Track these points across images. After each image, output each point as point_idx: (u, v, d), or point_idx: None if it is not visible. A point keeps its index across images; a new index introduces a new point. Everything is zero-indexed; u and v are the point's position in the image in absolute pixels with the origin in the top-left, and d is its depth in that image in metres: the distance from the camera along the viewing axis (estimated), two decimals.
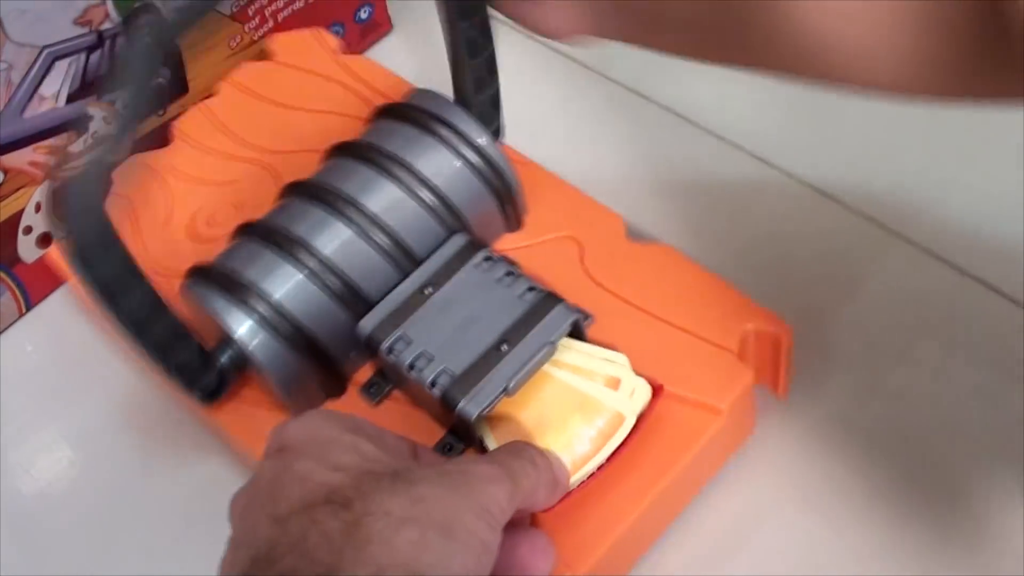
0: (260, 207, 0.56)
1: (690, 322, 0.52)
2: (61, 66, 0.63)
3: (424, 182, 0.54)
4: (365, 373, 0.54)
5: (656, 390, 0.50)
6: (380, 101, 0.59)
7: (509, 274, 0.52)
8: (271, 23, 0.71)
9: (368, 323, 0.52)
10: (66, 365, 0.66)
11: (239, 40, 0.70)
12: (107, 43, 0.64)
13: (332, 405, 0.54)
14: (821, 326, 0.59)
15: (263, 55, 0.70)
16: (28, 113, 0.63)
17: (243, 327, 0.51)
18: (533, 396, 0.50)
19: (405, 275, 0.53)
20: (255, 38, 0.71)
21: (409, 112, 0.56)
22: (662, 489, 0.49)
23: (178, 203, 0.63)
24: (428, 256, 0.54)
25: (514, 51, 0.62)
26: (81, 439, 0.63)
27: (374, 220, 0.53)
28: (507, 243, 0.57)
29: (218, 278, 0.53)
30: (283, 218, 0.54)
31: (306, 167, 0.57)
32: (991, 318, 0.59)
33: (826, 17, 0.38)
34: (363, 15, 0.77)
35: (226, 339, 0.51)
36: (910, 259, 0.61)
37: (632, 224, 0.57)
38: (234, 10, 0.69)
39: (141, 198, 0.63)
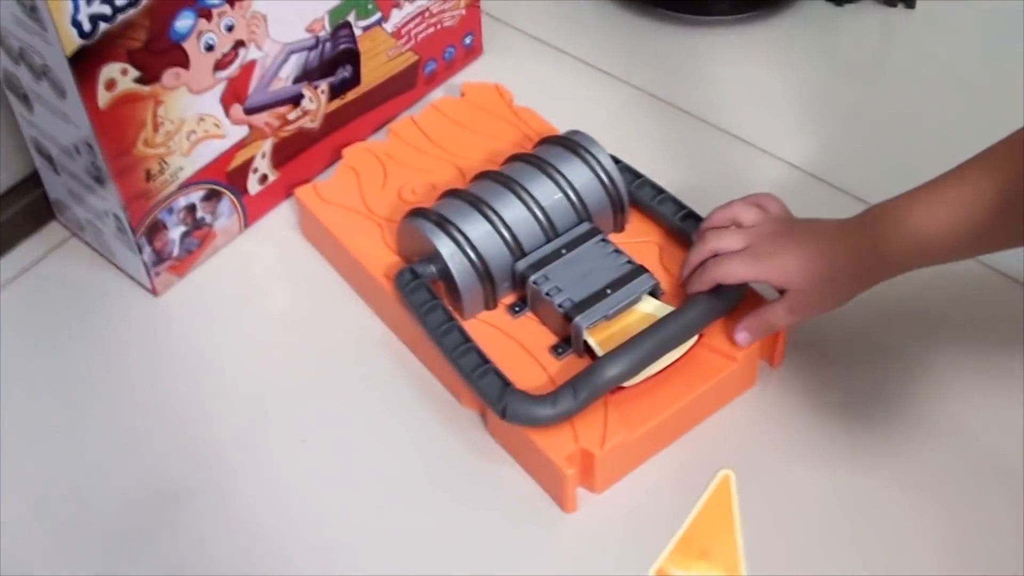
0: (448, 187, 0.86)
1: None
2: (293, 58, 0.92)
3: (570, 183, 0.84)
4: (508, 299, 0.84)
5: (699, 337, 0.79)
6: (535, 138, 0.91)
7: (615, 251, 0.82)
8: (412, 42, 1.01)
9: (523, 264, 0.82)
10: (271, 263, 0.95)
11: (393, 52, 1.00)
12: (321, 45, 0.93)
13: (483, 315, 0.83)
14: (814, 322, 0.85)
15: (460, 94, 1.01)
16: (271, 88, 0.92)
17: (447, 248, 0.81)
18: (622, 321, 0.79)
19: (548, 240, 0.83)
20: (403, 51, 1.00)
21: (565, 140, 0.87)
22: (693, 398, 0.78)
23: (390, 177, 0.93)
24: (566, 231, 0.84)
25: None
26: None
27: (536, 200, 0.83)
28: (614, 238, 0.86)
29: (431, 215, 0.83)
30: (477, 189, 0.85)
31: (482, 169, 0.87)
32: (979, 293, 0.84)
33: None
34: (467, 41, 1.07)
35: (433, 256, 0.81)
36: None
37: None
38: (391, 31, 0.99)
39: (365, 170, 0.93)
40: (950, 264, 0.74)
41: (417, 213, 0.84)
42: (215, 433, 0.84)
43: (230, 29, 0.87)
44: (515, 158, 0.87)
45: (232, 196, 0.95)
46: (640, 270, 0.81)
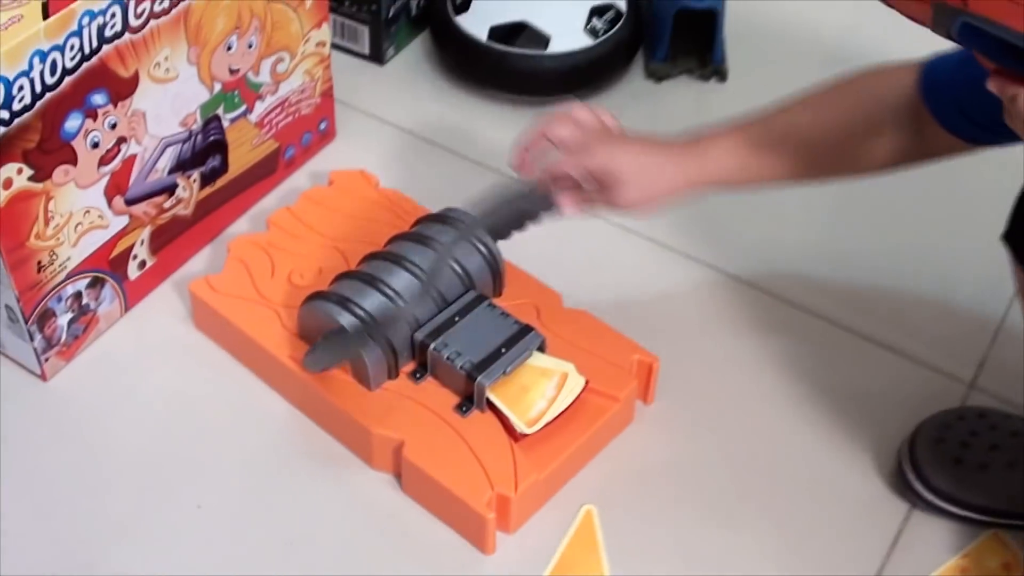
0: (334, 271, 0.94)
1: (603, 352, 0.92)
2: (169, 151, 0.98)
3: (454, 256, 0.92)
4: (408, 368, 0.91)
5: (585, 384, 0.89)
6: (405, 216, 0.99)
7: (503, 313, 0.91)
8: (274, 130, 1.08)
9: (421, 333, 0.90)
10: (154, 344, 0.99)
11: (257, 140, 1.06)
12: (194, 137, 0.98)
13: (388, 384, 0.89)
14: (683, 362, 0.97)
15: (328, 182, 1.08)
16: (149, 179, 0.97)
17: (349, 323, 0.87)
18: (519, 376, 0.87)
19: (440, 309, 0.91)
20: (265, 139, 1.07)
21: (444, 217, 0.95)
22: (587, 437, 0.87)
23: (277, 265, 0.99)
24: (455, 300, 0.91)
25: None
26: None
27: (425, 273, 0.91)
28: (496, 302, 0.95)
29: (331, 296, 0.89)
30: (370, 268, 0.92)
31: (362, 251, 0.94)
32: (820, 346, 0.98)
33: None
34: (322, 127, 1.15)
35: (337, 333, 0.87)
36: (763, 307, 1.00)
37: (565, 297, 0.96)
38: (255, 121, 1.05)
39: (253, 261, 0.99)
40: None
41: (318, 295, 0.90)
42: (111, 507, 0.88)
43: (113, 127, 0.92)
44: (400, 237, 0.95)
45: (114, 282, 0.99)
46: (527, 328, 0.90)
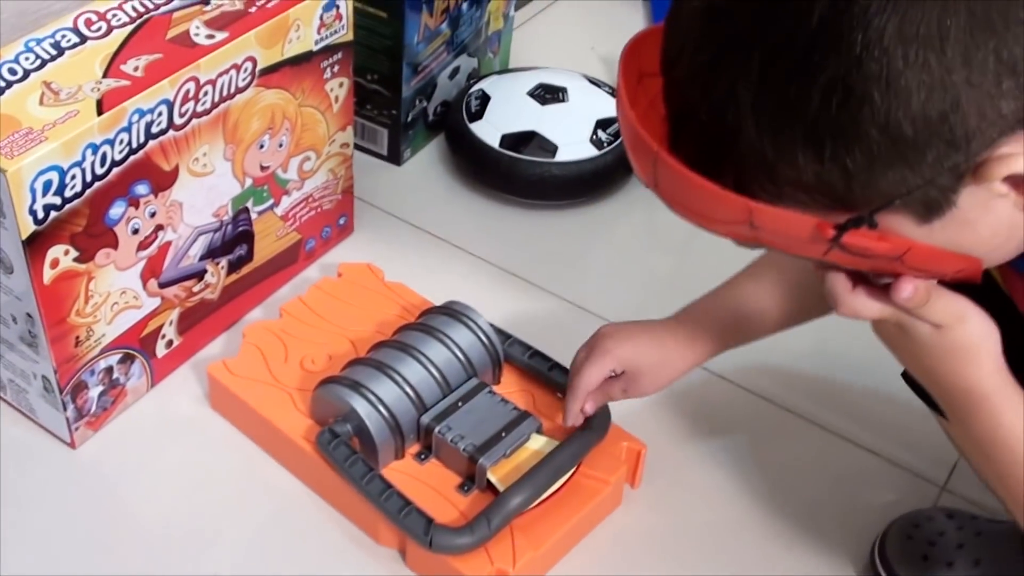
0: (344, 358, 1.01)
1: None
2: (200, 239, 1.04)
3: (458, 346, 1.00)
4: (413, 449, 0.97)
5: (576, 467, 0.95)
6: (410, 309, 1.06)
7: (502, 400, 0.98)
8: (297, 223, 1.15)
9: (427, 417, 0.96)
10: (176, 419, 1.05)
11: (281, 232, 1.13)
12: (224, 227, 1.05)
13: (394, 464, 0.96)
14: (668, 451, 1.03)
15: (337, 274, 1.15)
16: (181, 264, 1.04)
17: (363, 408, 0.94)
18: (517, 457, 0.94)
19: (445, 395, 0.98)
20: (289, 231, 1.14)
21: (449, 309, 1.03)
22: (580, 517, 0.93)
23: (290, 351, 1.05)
24: (458, 386, 0.99)
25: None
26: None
27: (432, 361, 0.98)
28: (495, 388, 1.01)
29: (344, 381, 0.96)
30: (380, 356, 0.99)
31: (370, 340, 1.02)
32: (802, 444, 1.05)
33: None
34: (341, 221, 1.22)
35: (349, 415, 0.94)
36: (746, 404, 1.07)
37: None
38: (281, 215, 1.12)
39: (267, 346, 1.06)
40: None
41: (331, 380, 0.97)
42: (128, 572, 0.92)
43: (153, 215, 0.98)
44: (407, 327, 1.02)
45: (143, 359, 1.05)
46: (525, 414, 0.97)
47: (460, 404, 0.97)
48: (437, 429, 0.95)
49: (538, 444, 0.96)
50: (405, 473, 0.95)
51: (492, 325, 1.04)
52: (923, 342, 0.68)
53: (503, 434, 0.95)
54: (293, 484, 1.00)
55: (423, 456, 0.97)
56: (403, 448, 0.96)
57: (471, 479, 0.94)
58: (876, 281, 0.66)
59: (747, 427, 1.08)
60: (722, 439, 1.06)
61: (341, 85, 1.11)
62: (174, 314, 1.06)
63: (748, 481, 1.03)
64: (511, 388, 1.02)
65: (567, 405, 0.95)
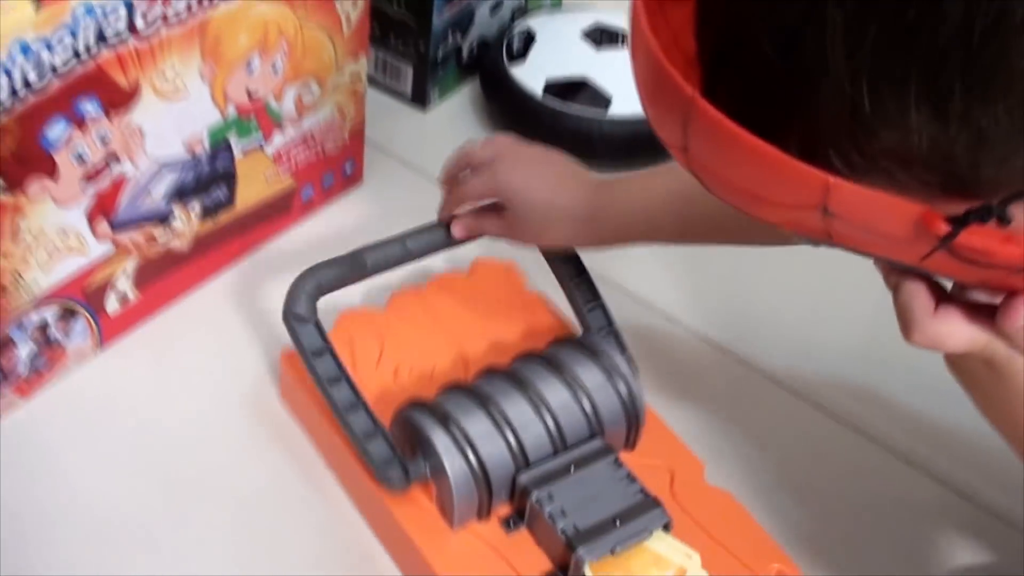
0: (447, 376, 0.77)
1: (739, 550, 0.70)
2: (168, 176, 0.81)
3: (586, 391, 0.72)
4: (503, 511, 0.71)
5: None
6: (544, 332, 0.81)
7: (628, 476, 0.70)
8: (291, 167, 0.90)
9: (526, 476, 0.69)
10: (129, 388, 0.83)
11: (271, 175, 0.89)
12: (198, 163, 0.82)
13: (476, 526, 0.70)
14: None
15: (469, 269, 0.87)
16: (141, 205, 0.80)
17: (444, 445, 0.68)
18: (628, 558, 0.66)
19: (555, 451, 0.70)
20: (280, 175, 0.90)
21: (584, 342, 0.76)
22: None
23: (386, 354, 0.80)
24: (575, 445, 0.71)
25: None
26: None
27: (547, 406, 0.71)
28: (624, 457, 0.72)
29: (433, 409, 0.71)
30: (485, 386, 0.73)
31: (487, 358, 0.78)
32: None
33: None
34: (347, 169, 0.96)
35: (428, 451, 0.68)
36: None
37: (708, 469, 0.75)
38: (272, 154, 0.88)
39: (361, 342, 0.80)
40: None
41: (418, 404, 0.72)
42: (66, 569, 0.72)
43: (104, 141, 0.75)
44: (529, 356, 0.75)
45: (88, 315, 0.83)
46: (653, 503, 0.69)
47: (572, 469, 0.70)
48: (535, 495, 0.67)
49: (661, 547, 0.67)
50: (485, 541, 0.69)
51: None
52: None
53: (617, 522, 0.67)
54: (294, 484, 0.77)
55: (512, 523, 0.69)
56: (489, 508, 0.69)
57: (564, 569, 0.67)
58: (963, 298, 0.50)
59: None
60: None
61: (355, 3, 0.88)
62: (130, 264, 0.83)
63: None
64: (647, 459, 0.75)
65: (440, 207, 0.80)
